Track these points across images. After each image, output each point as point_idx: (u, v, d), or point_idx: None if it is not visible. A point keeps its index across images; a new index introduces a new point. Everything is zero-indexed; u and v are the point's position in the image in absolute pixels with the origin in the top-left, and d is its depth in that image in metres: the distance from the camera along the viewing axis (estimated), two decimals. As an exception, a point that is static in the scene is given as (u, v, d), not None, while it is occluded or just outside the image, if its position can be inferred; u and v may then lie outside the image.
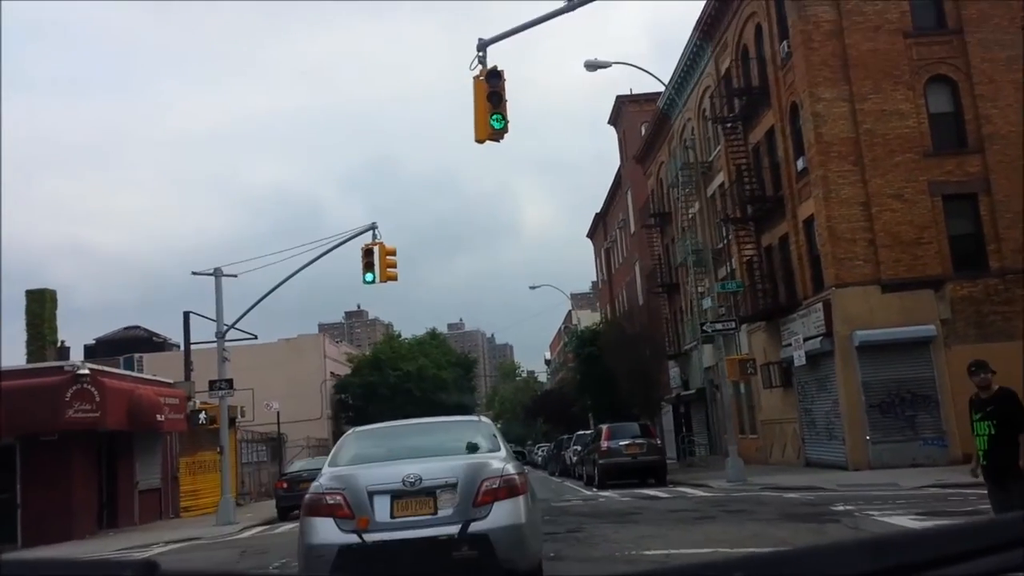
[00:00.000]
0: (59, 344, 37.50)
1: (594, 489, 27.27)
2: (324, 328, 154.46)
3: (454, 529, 7.69)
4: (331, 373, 63.86)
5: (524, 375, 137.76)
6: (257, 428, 53.18)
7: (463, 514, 7.78)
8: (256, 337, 42.10)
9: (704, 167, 38.95)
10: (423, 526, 7.76)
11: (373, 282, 22.60)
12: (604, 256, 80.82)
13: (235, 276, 26.99)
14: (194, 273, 26.61)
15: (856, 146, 26.60)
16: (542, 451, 71.37)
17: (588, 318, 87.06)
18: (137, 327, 66.86)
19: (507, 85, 14.77)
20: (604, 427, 28.91)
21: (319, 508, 7.94)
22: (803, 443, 29.92)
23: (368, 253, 22.65)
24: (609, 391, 42.75)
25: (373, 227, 22.83)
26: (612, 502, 21.38)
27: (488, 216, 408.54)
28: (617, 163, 67.20)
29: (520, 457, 27.35)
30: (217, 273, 26.62)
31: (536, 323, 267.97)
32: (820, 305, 26.77)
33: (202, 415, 27.23)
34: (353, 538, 7.69)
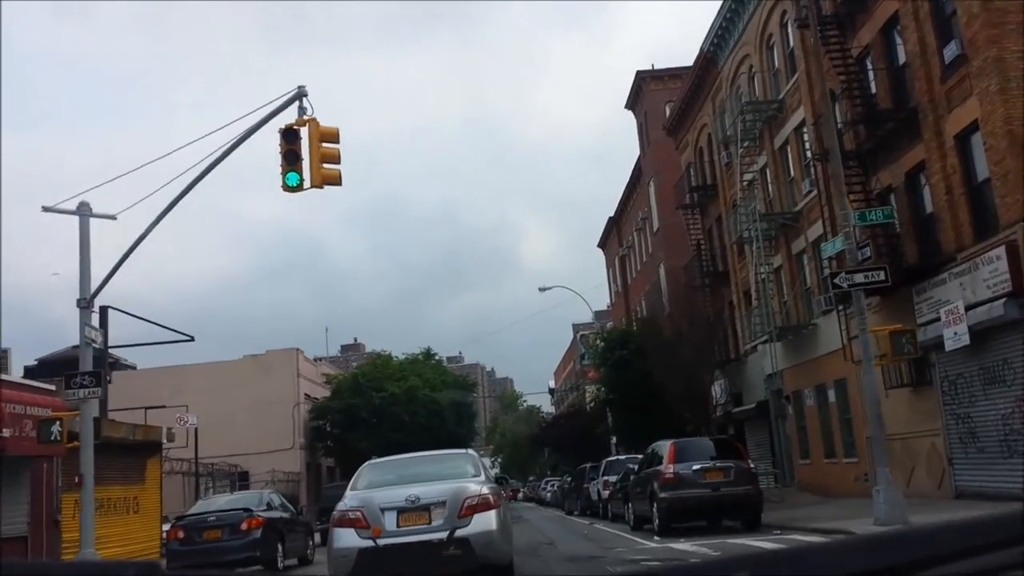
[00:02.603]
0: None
1: (657, 539, 17.74)
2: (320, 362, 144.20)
3: (444, 535, 10.65)
4: (305, 395, 54.35)
5: (525, 404, 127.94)
6: (214, 457, 43.79)
7: (450, 523, 10.72)
8: (192, 339, 32.87)
9: (772, 108, 29.86)
10: (421, 533, 10.68)
11: (299, 187, 13.36)
12: (618, 265, 71.55)
13: (113, 218, 17.69)
14: (46, 209, 17.27)
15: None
16: (551, 486, 61.59)
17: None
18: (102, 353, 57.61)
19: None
20: (667, 444, 19.48)
21: (344, 522, 10.96)
22: (949, 465, 20.57)
23: (290, 137, 13.38)
24: (646, 407, 33.41)
25: (300, 95, 13.51)
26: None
27: (490, 252, 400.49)
28: (622, 171, 58.16)
29: (503, 482, 32.04)
30: (82, 211, 17.31)
31: (537, 356, 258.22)
32: (998, 253, 17.55)
33: (55, 427, 17.49)
34: (369, 543, 10.60)
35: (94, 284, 17.24)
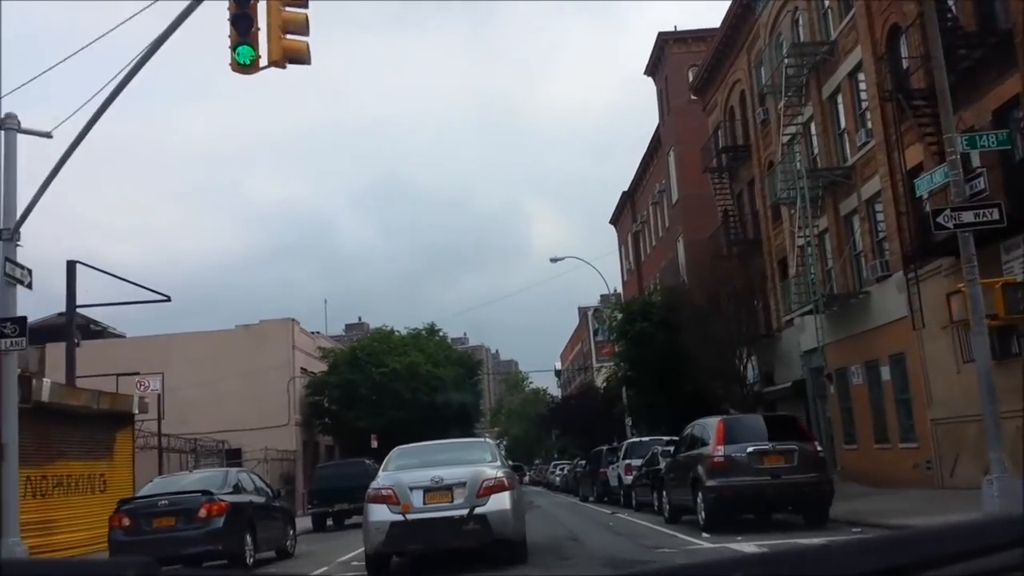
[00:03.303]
0: None
1: (706, 536, 14.59)
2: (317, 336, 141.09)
3: (464, 512, 11.74)
4: (302, 369, 51.32)
5: (531, 386, 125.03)
6: (202, 433, 40.99)
7: (470, 502, 11.80)
8: (169, 299, 29.77)
9: (822, 52, 26.64)
10: (444, 509, 11.81)
11: (253, 66, 10.18)
12: (631, 242, 68.45)
13: (49, 135, 14.57)
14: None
15: None
16: (561, 470, 58.64)
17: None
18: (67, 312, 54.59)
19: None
20: (714, 422, 16.33)
21: (378, 498, 12.05)
22: (1040, 454, 17.45)
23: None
24: (669, 384, 30.29)
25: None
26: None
27: (499, 235, 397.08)
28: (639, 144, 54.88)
29: (518, 469, 32.11)
30: (8, 124, 14.19)
31: (542, 340, 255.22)
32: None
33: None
34: (399, 517, 11.78)
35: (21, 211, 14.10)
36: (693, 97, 50.63)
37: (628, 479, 26.11)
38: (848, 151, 26.07)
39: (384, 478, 12.40)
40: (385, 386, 49.11)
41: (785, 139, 29.17)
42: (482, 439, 18.14)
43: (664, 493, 18.86)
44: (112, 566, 1.72)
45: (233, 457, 46.62)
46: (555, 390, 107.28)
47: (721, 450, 15.08)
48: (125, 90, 12.34)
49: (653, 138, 58.21)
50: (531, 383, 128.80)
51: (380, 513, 11.83)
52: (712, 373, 27.96)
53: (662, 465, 21.02)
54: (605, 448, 33.38)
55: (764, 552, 1.41)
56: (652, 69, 55.67)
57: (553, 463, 68.36)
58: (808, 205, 26.19)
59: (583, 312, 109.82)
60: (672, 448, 19.94)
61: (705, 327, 29.10)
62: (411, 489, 11.88)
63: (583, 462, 40.44)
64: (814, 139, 28.21)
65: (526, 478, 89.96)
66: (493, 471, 12.28)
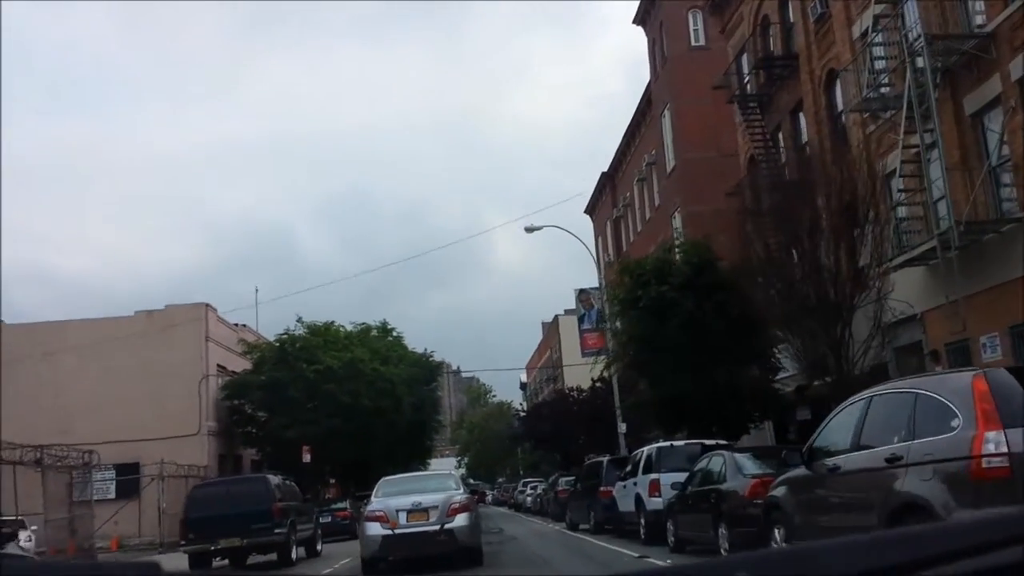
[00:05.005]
0: None
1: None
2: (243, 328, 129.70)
3: (437, 527, 15.55)
4: (219, 367, 41.99)
5: (495, 399, 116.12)
6: (79, 445, 31.80)
7: (441, 520, 15.64)
8: None
9: None
10: (422, 526, 15.63)
11: None
12: (611, 230, 59.98)
13: None
14: None
15: None
16: (532, 489, 49.64)
17: (575, 337, 65.63)
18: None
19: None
20: (969, 379, 7.62)
21: (373, 518, 15.97)
22: None
23: None
24: (698, 371, 21.42)
25: None
26: None
27: (461, 251, 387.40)
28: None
29: (478, 492, 35.93)
30: None
31: (506, 356, 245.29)
32: None
33: None
34: (389, 531, 15.59)
35: None
36: (695, 44, 42.89)
37: (655, 502, 17.36)
38: (979, 13, 17.65)
39: (376, 503, 16.49)
40: (319, 387, 39.93)
41: (867, 23, 20.64)
42: (447, 472, 25.76)
43: (778, 529, 9.95)
44: (114, 568, 1.77)
45: (128, 471, 37.40)
46: (520, 405, 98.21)
47: (998, 438, 6.35)
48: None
49: (641, 103, 50.03)
50: (494, 396, 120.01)
51: (375, 529, 15.84)
52: (807, 350, 18.90)
53: (732, 483, 12.39)
54: (606, 459, 24.61)
55: (766, 551, 1.47)
56: (642, 17, 47.42)
57: (522, 481, 59.28)
58: (932, 89, 17.44)
59: (545, 327, 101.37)
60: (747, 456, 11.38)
61: (790, 277, 20.13)
62: (397, 511, 15.83)
63: (570, 478, 31.58)
64: (911, 16, 19.70)
65: (488, 498, 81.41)
66: (458, 496, 16.52)
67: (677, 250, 23.70)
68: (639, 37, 48.75)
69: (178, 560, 20.03)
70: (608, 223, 60.94)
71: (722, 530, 12.92)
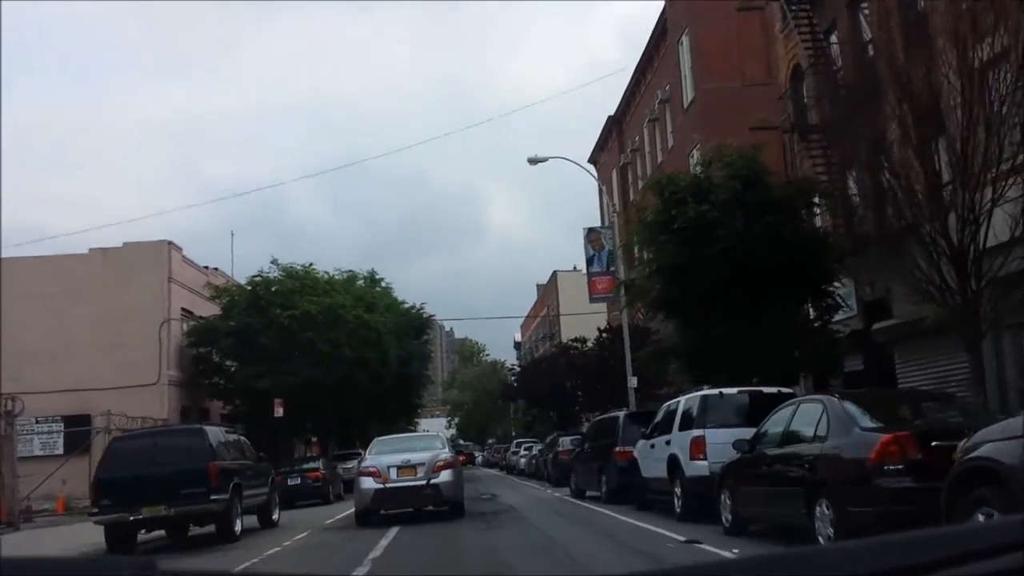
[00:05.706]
0: None
1: None
2: (213, 271, 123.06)
3: (424, 482, 17.36)
4: (183, 311, 37.78)
5: (489, 358, 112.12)
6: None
7: (428, 475, 17.42)
8: None
9: None
10: (410, 480, 17.42)
11: None
12: (618, 177, 55.49)
13: None
14: None
15: None
16: (527, 450, 45.76)
17: (574, 293, 61.48)
18: None
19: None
20: None
21: (366, 473, 17.91)
22: None
23: None
24: (744, 310, 17.22)
25: None
26: None
27: (455, 216, 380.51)
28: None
29: (459, 453, 34.46)
30: None
31: (498, 326, 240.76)
32: None
33: None
34: (380, 486, 17.34)
35: None
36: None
37: (698, 467, 13.28)
38: None
39: (370, 459, 18.53)
40: (296, 335, 35.76)
41: None
42: (435, 433, 29.18)
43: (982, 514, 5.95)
44: (111, 565, 1.69)
45: (78, 424, 33.30)
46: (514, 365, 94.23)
47: None
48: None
49: (653, 34, 45.62)
50: (487, 355, 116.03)
51: (368, 483, 17.54)
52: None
53: (840, 441, 8.33)
54: (623, 413, 20.55)
55: (763, 554, 1.46)
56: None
57: (515, 442, 55.39)
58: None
59: (540, 290, 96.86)
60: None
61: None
62: (388, 467, 17.53)
63: (575, 438, 27.52)
64: None
65: (478, 459, 77.80)
66: (444, 455, 18.31)
67: (720, 163, 19.27)
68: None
69: (91, 533, 15.83)
70: (615, 171, 56.51)
71: (823, 509, 8.85)
